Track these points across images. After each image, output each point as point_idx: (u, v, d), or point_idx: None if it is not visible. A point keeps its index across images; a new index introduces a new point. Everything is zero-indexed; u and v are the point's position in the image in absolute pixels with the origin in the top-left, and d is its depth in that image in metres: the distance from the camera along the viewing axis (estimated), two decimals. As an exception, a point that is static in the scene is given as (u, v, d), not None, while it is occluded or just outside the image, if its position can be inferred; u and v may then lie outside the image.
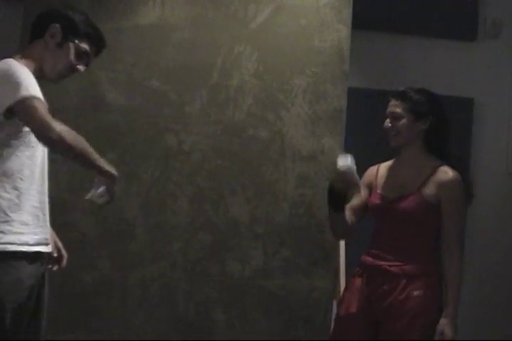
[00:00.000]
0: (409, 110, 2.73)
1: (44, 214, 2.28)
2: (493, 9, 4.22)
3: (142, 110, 3.22)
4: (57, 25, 2.28)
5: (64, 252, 2.46)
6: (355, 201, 2.86)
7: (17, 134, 2.18)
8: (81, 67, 2.33)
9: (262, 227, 3.27)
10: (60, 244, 2.45)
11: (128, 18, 3.17)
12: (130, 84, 3.21)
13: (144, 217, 3.19)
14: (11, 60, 2.21)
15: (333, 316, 3.24)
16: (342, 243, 3.27)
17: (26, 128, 2.16)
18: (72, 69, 2.32)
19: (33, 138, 2.17)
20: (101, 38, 2.36)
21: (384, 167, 2.86)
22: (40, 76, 2.26)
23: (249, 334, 3.23)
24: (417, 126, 2.74)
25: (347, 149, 3.05)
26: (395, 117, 2.74)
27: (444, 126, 2.77)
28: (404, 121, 2.73)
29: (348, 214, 2.81)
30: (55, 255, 2.42)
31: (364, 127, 3.79)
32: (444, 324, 2.60)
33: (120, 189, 3.13)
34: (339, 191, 2.59)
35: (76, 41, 2.29)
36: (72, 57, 2.30)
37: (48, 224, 2.32)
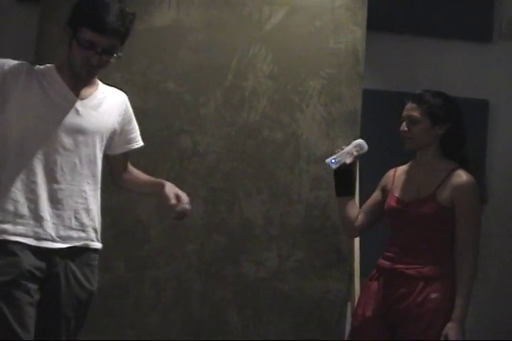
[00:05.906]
0: (426, 114, 2.70)
1: (36, 207, 2.26)
2: (509, 10, 4.19)
3: (157, 112, 3.22)
4: (67, 25, 2.28)
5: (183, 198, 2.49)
6: (369, 202, 2.88)
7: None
8: (93, 58, 2.24)
9: (276, 229, 3.27)
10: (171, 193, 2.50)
11: (143, 20, 3.17)
12: (145, 86, 3.21)
13: (158, 218, 3.19)
14: None
15: (348, 318, 3.24)
16: (357, 245, 3.26)
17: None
18: (88, 63, 2.26)
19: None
20: (100, 20, 2.20)
21: (401, 170, 2.86)
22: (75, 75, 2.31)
23: (263, 336, 3.23)
24: (433, 131, 2.71)
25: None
26: (412, 121, 2.71)
27: (461, 131, 2.74)
28: (421, 125, 2.70)
29: (361, 215, 2.83)
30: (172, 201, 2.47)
31: (379, 129, 3.78)
32: (449, 327, 2.58)
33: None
34: (344, 170, 2.74)
35: (76, 34, 2.24)
36: (76, 51, 2.25)
37: (46, 217, 2.29)
